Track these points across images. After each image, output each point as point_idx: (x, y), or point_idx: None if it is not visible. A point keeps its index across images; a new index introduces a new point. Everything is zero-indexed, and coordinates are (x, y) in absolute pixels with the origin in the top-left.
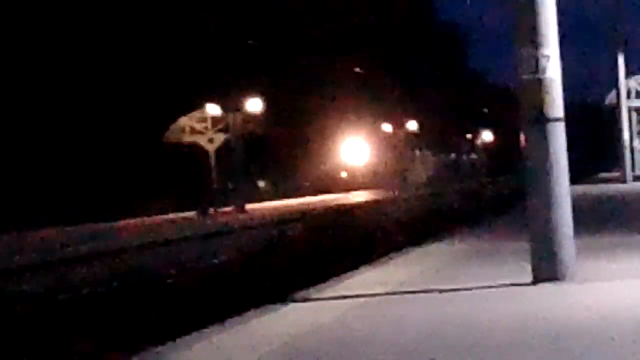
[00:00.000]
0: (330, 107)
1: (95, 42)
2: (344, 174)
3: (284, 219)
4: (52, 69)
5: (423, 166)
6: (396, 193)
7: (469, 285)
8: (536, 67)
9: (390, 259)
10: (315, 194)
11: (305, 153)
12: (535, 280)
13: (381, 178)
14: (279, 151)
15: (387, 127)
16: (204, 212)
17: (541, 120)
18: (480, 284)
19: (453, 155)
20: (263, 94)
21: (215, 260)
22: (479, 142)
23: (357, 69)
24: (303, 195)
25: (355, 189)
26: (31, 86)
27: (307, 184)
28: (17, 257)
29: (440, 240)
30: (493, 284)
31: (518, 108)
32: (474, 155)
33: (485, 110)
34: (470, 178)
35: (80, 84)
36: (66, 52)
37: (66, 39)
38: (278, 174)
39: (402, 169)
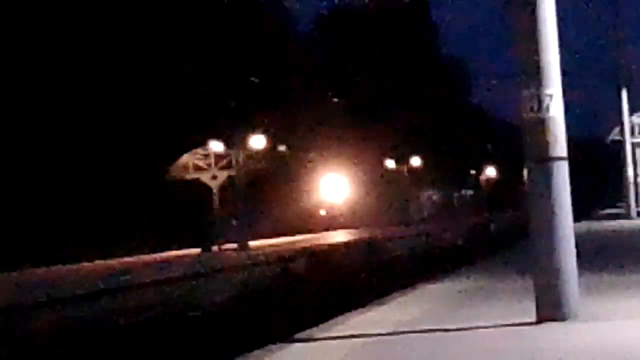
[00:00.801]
0: (314, 141)
1: (98, 77)
2: (322, 212)
3: (289, 256)
4: (53, 102)
5: (417, 203)
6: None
7: (472, 325)
8: (539, 106)
9: (393, 298)
10: (292, 233)
11: (284, 190)
12: (539, 320)
13: (365, 216)
14: (258, 189)
15: (390, 163)
16: (207, 250)
17: (544, 159)
18: (483, 324)
19: (457, 191)
20: (266, 131)
21: (224, 297)
22: (483, 177)
23: (335, 99)
24: (279, 235)
25: (335, 229)
26: (31, 119)
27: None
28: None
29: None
30: (496, 324)
31: (521, 145)
32: (470, 192)
33: (489, 146)
34: (470, 214)
35: (82, 120)
36: (66, 86)
37: (68, 73)
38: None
39: (392, 206)
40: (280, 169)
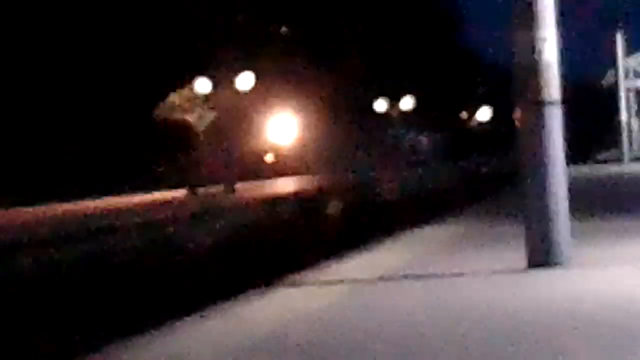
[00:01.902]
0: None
1: (86, 14)
2: (269, 157)
3: (276, 199)
4: (37, 47)
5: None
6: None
7: (462, 271)
8: (533, 50)
9: (384, 243)
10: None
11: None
12: (530, 266)
13: (319, 162)
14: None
15: (381, 105)
16: (193, 192)
17: (537, 103)
18: (473, 270)
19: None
20: (254, 70)
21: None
22: (473, 122)
23: (284, 28)
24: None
25: (282, 175)
26: (15, 57)
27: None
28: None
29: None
30: (487, 270)
31: (514, 88)
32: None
33: (481, 88)
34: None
35: (70, 58)
36: (52, 28)
37: (57, 12)
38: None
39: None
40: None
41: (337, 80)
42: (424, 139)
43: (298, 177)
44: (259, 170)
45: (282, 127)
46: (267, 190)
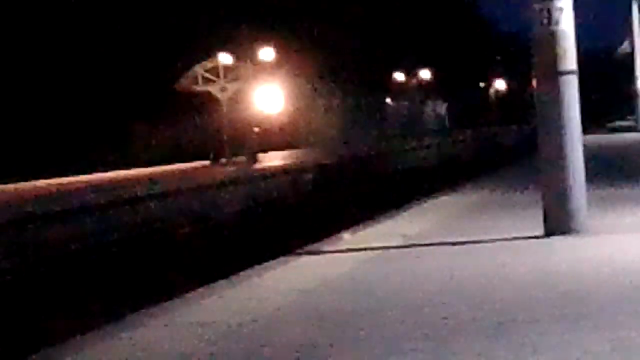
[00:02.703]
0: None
1: None
2: (255, 130)
3: (297, 169)
4: (64, 11)
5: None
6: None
7: (481, 238)
8: (549, 19)
9: (404, 210)
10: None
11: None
12: (548, 233)
13: (308, 136)
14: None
15: (399, 76)
16: (216, 162)
17: (554, 72)
18: (492, 237)
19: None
20: (275, 44)
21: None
22: (492, 90)
23: None
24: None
25: (267, 150)
26: (42, 42)
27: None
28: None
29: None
30: (505, 237)
31: (531, 58)
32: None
33: (498, 58)
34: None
35: (93, 30)
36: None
37: None
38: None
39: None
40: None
41: (352, 54)
42: (441, 108)
43: (288, 150)
44: (246, 143)
45: (271, 99)
46: (286, 161)
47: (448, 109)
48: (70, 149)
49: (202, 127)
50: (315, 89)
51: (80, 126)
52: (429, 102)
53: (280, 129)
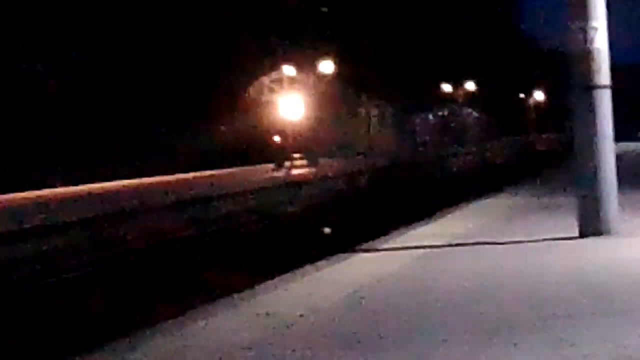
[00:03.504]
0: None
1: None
2: (276, 139)
3: (354, 173)
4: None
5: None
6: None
7: (520, 239)
8: (585, 38)
9: (449, 212)
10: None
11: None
12: (581, 235)
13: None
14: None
15: (447, 87)
16: (279, 166)
17: (589, 87)
18: (530, 238)
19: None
20: (335, 57)
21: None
22: (531, 101)
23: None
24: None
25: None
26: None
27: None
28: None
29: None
30: (543, 238)
31: (568, 72)
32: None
33: (538, 72)
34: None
35: (162, 36)
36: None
37: None
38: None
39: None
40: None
41: (405, 67)
42: (483, 117)
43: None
44: (268, 152)
45: (294, 108)
46: (341, 166)
47: (490, 117)
48: (153, 152)
49: (264, 133)
50: (369, 98)
51: (159, 130)
52: (473, 111)
53: (331, 135)
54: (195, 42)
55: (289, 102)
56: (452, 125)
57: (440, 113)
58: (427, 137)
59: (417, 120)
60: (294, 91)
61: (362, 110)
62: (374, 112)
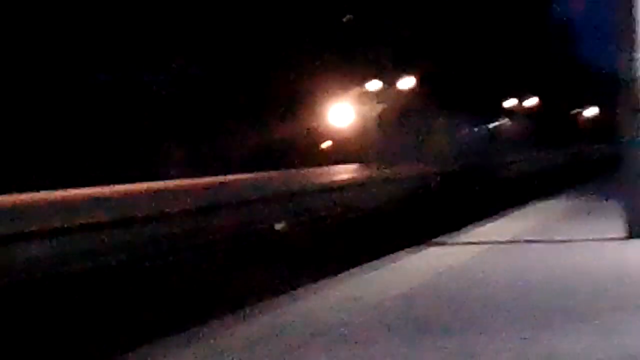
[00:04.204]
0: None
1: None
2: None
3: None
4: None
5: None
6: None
7: (574, 238)
8: (632, 67)
9: (511, 212)
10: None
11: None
12: (629, 236)
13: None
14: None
15: (510, 102)
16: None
17: (635, 110)
18: (583, 237)
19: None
20: (416, 73)
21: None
22: (584, 116)
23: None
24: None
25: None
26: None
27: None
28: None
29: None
30: (594, 238)
31: (617, 95)
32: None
33: (591, 92)
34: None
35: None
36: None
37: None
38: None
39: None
40: None
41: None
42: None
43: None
44: (317, 156)
45: (346, 115)
46: (404, 171)
47: (548, 129)
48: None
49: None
50: (443, 114)
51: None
52: (532, 124)
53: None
54: (284, 58)
55: (371, 113)
56: (511, 134)
57: (501, 122)
58: (491, 146)
59: (483, 130)
60: (376, 104)
61: (436, 122)
62: (445, 124)
